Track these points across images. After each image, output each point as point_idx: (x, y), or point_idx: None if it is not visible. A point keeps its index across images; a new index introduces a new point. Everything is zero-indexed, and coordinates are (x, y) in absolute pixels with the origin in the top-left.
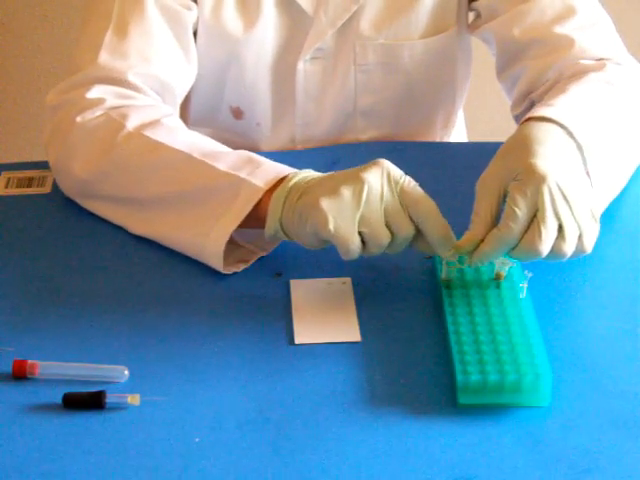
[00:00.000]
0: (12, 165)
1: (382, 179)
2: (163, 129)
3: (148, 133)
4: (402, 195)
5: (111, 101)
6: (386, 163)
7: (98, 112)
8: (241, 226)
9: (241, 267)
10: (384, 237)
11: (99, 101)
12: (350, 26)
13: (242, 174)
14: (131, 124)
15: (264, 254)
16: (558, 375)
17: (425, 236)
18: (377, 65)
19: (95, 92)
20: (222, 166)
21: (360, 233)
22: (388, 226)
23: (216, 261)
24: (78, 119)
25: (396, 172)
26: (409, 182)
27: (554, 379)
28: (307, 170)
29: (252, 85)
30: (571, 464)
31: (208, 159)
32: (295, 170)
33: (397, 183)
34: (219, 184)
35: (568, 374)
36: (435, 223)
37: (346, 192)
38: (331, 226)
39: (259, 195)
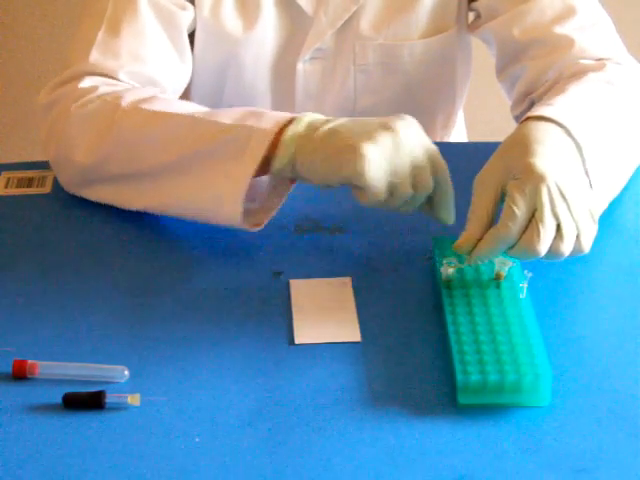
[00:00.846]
0: (12, 165)
1: (416, 134)
2: (159, 101)
3: (145, 106)
4: (429, 153)
5: (104, 88)
6: (415, 120)
7: (92, 99)
8: (256, 174)
9: (256, 229)
10: (409, 189)
11: (92, 89)
12: (350, 26)
13: (249, 122)
14: (126, 102)
15: (274, 213)
16: (558, 375)
17: (437, 198)
18: (377, 65)
19: (87, 82)
20: (226, 120)
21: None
22: (412, 179)
23: (234, 215)
24: (72, 108)
25: (423, 130)
26: (432, 142)
27: (554, 379)
28: (314, 113)
29: (251, 85)
30: (571, 464)
31: (211, 117)
32: (298, 114)
33: (426, 140)
34: (227, 137)
35: (568, 374)
36: (449, 187)
37: (385, 140)
38: (371, 173)
39: (270, 137)
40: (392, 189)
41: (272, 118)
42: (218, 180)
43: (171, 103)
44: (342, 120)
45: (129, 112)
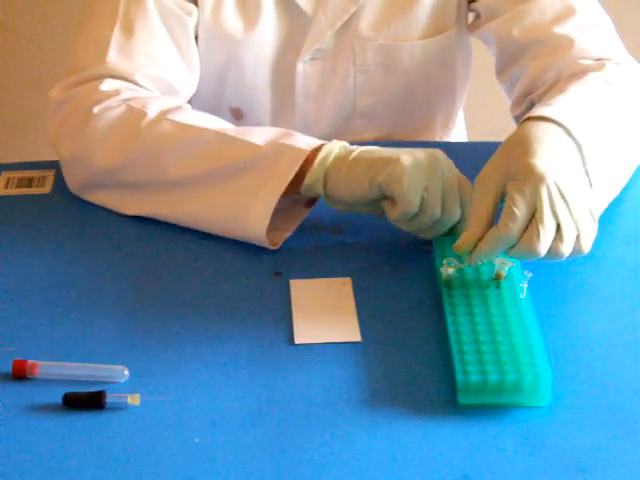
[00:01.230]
0: (12, 165)
1: (447, 160)
2: (187, 113)
3: (173, 117)
4: (461, 182)
5: (127, 93)
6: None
7: (115, 103)
8: (285, 193)
9: (274, 247)
10: (439, 208)
11: (115, 92)
12: (349, 27)
13: (282, 141)
14: (153, 111)
15: (289, 234)
16: (558, 375)
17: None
18: (376, 66)
19: (108, 85)
20: (258, 140)
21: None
22: (441, 201)
23: (259, 230)
24: (95, 110)
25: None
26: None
27: (554, 379)
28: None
29: (252, 86)
30: (571, 464)
31: (243, 135)
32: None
33: (455, 169)
34: (259, 154)
35: (568, 374)
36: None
37: (422, 157)
38: (408, 182)
39: (304, 155)
40: (424, 205)
41: (304, 139)
42: (247, 194)
43: (199, 116)
44: (376, 146)
45: (157, 121)
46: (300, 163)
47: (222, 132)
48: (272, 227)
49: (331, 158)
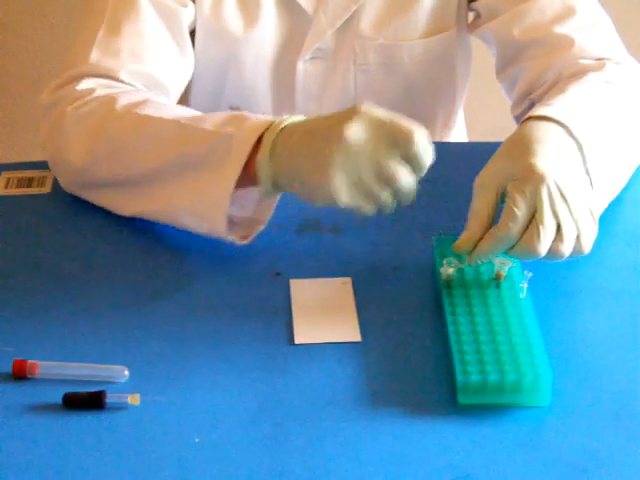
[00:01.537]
0: (12, 165)
1: (367, 131)
2: (151, 105)
3: (135, 110)
4: (391, 137)
5: (101, 90)
6: (364, 111)
7: (87, 101)
8: (241, 185)
9: (242, 242)
10: (380, 190)
11: (89, 91)
12: (350, 26)
13: (229, 129)
14: (119, 105)
15: (263, 227)
16: (558, 375)
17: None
18: (377, 65)
19: (85, 84)
20: (209, 126)
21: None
22: (384, 176)
23: (219, 224)
24: (68, 109)
25: (378, 117)
26: (392, 118)
27: (554, 379)
28: (289, 117)
29: (252, 85)
30: (571, 464)
31: (195, 122)
32: (275, 119)
33: (382, 126)
34: (209, 144)
35: (568, 374)
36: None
37: (338, 159)
38: (342, 200)
39: (250, 145)
40: (368, 195)
41: (252, 123)
42: (201, 191)
43: (161, 107)
44: (304, 136)
45: (121, 116)
46: (246, 155)
47: (175, 121)
48: (247, 220)
49: (270, 167)
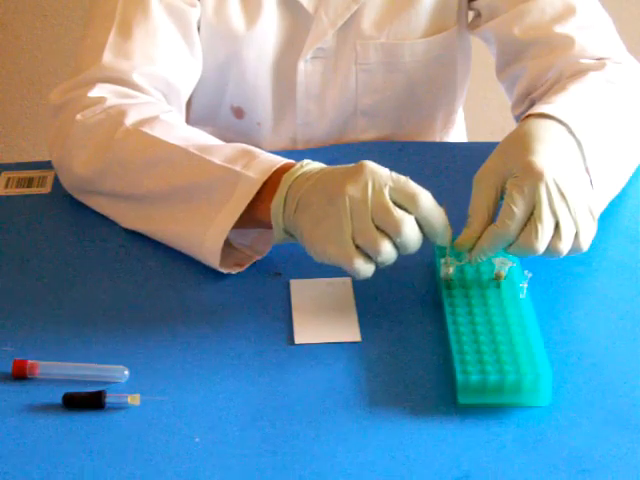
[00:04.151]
0: (12, 165)
1: (367, 188)
2: (161, 125)
3: (145, 129)
4: (394, 195)
5: (112, 100)
6: (369, 167)
7: (98, 110)
8: (240, 225)
9: (236, 270)
10: (379, 242)
11: (100, 100)
12: (351, 25)
13: (237, 167)
14: (129, 121)
15: (259, 257)
16: (558, 375)
17: (424, 229)
18: (378, 64)
19: (97, 91)
20: (217, 159)
21: (358, 247)
22: (382, 230)
23: (213, 259)
24: (78, 117)
25: (381, 176)
26: (398, 180)
27: (554, 379)
28: (304, 163)
29: (253, 84)
30: (571, 464)
31: (204, 153)
32: (289, 163)
33: (384, 186)
34: (215, 178)
35: (568, 374)
36: (434, 214)
37: (332, 214)
38: (327, 257)
39: (256, 188)
40: (365, 250)
41: (261, 164)
42: (201, 221)
43: (172, 129)
44: (311, 190)
45: (130, 133)
46: (251, 197)
47: (185, 149)
48: (248, 248)
49: (282, 217)
